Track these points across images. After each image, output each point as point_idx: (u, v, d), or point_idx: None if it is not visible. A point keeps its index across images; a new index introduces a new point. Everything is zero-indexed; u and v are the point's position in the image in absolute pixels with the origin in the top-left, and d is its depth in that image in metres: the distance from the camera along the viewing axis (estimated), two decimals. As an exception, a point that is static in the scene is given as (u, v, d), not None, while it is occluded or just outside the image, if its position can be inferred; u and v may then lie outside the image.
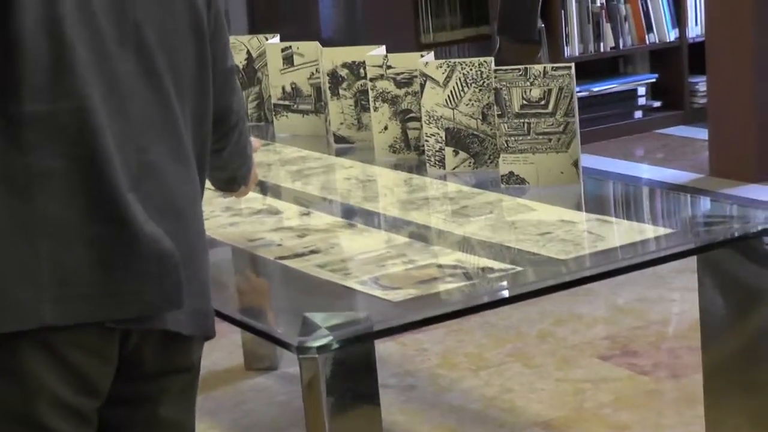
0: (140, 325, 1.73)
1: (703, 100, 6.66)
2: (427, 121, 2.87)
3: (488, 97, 2.79)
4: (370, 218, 2.61)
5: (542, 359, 3.81)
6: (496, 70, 2.71)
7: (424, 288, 2.10)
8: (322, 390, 1.90)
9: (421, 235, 2.46)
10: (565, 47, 6.55)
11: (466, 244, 2.36)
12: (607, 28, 6.68)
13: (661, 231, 2.40)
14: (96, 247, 1.66)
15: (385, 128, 3.04)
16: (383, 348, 3.80)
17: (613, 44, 6.72)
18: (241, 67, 3.47)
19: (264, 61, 3.46)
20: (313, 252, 2.33)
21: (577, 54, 6.57)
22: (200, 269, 1.81)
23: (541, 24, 6.23)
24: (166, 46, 1.75)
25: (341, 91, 3.20)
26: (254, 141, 2.28)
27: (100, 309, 1.68)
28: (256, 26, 7.36)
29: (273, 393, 3.73)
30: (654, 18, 6.79)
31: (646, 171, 6.14)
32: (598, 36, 6.68)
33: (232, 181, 2.20)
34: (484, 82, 2.79)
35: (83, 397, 1.73)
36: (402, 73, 2.99)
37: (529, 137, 2.70)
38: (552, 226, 2.40)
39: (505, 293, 2.10)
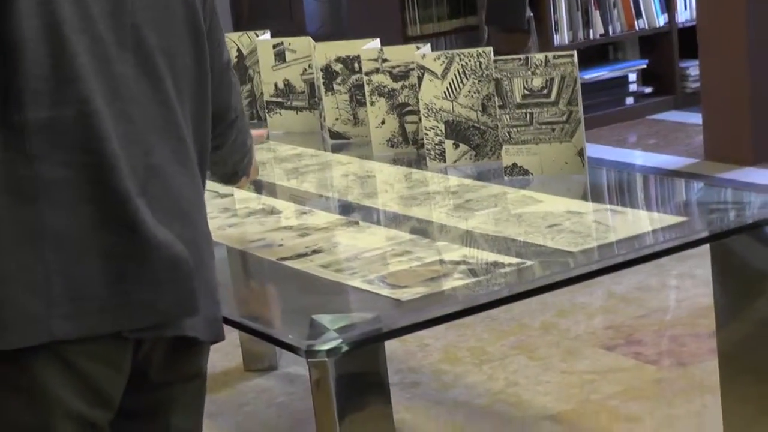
0: (156, 333, 1.69)
1: (695, 85, 6.64)
2: (426, 114, 2.81)
3: (488, 88, 2.73)
4: (371, 215, 2.55)
5: (546, 351, 3.76)
6: (496, 60, 2.66)
7: (433, 286, 2.04)
8: (332, 393, 1.85)
9: (426, 230, 2.40)
10: (555, 35, 6.51)
11: (472, 239, 2.30)
12: (596, 15, 6.64)
13: (673, 219, 2.34)
14: (107, 256, 1.62)
15: (383, 122, 2.99)
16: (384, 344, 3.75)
17: (602, 31, 6.68)
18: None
19: (255, 58, 3.40)
20: (315, 252, 2.28)
21: (566, 42, 6.53)
22: (210, 273, 1.77)
23: (529, 12, 6.19)
24: (165, 46, 1.72)
25: (336, 86, 3.14)
26: (259, 131, 2.23)
27: (113, 320, 1.64)
28: (240, 23, 7.31)
29: (274, 394, 3.68)
30: (643, 4, 6.75)
31: (639, 157, 6.09)
32: (588, 23, 6.63)
33: (234, 175, 2.16)
34: (483, 72, 2.74)
35: (98, 410, 1.69)
36: (398, 66, 2.94)
37: (531, 127, 2.65)
38: (560, 217, 2.34)
39: (518, 288, 2.03)
